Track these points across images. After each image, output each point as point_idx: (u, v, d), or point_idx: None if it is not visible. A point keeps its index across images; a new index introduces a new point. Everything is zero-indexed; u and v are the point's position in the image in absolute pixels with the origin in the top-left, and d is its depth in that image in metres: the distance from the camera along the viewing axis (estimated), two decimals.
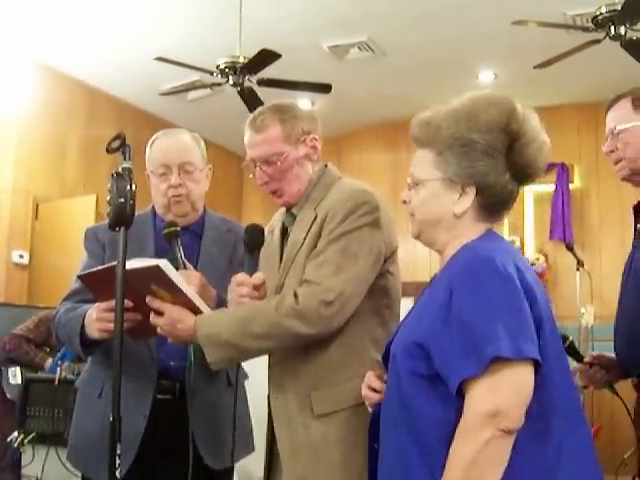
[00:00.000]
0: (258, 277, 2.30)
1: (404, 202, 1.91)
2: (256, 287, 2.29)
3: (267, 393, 2.38)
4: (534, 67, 6.53)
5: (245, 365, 2.59)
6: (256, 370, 2.50)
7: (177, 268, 2.41)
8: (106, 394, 2.55)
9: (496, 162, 1.78)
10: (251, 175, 2.42)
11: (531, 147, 1.81)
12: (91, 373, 2.71)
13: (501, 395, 1.57)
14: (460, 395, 1.62)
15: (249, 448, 2.79)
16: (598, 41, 5.98)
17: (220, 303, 2.45)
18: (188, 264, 2.49)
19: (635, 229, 2.57)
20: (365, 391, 1.98)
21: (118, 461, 1.89)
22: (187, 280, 2.34)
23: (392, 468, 1.75)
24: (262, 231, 2.39)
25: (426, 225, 1.86)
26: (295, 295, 2.18)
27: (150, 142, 2.73)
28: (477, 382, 1.58)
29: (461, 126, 1.79)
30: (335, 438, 2.21)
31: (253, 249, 2.36)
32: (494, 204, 1.82)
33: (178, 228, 2.54)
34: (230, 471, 2.74)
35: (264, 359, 2.37)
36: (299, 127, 2.38)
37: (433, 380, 1.66)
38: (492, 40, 7.39)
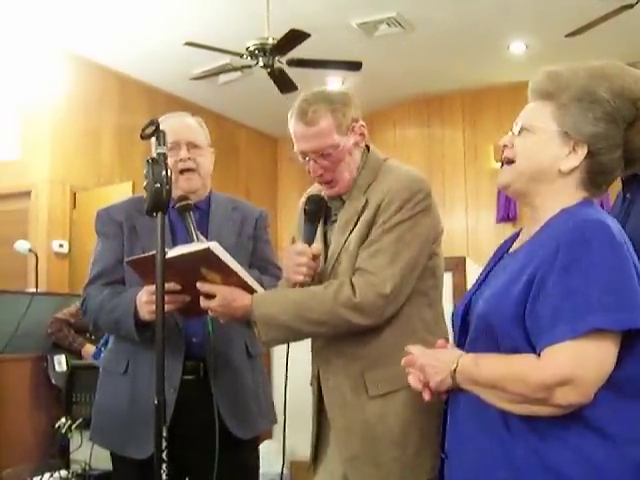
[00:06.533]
0: (317, 248, 2.32)
1: (504, 146, 1.81)
2: (314, 257, 2.30)
3: (314, 372, 2.37)
4: (566, 36, 6.44)
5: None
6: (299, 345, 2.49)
7: (191, 241, 2.45)
8: (132, 370, 2.60)
9: (616, 131, 1.70)
10: (306, 167, 2.35)
11: None
12: (115, 351, 2.73)
13: (583, 366, 1.51)
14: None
15: (272, 418, 2.85)
16: (631, 6, 5.90)
17: None
18: (201, 237, 2.51)
19: (625, 198, 2.49)
20: None
21: (165, 443, 1.92)
22: None
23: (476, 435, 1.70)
24: (325, 202, 2.39)
25: (525, 173, 1.76)
26: (352, 285, 2.18)
27: None
28: (564, 346, 1.52)
29: (595, 82, 1.73)
30: (392, 417, 2.21)
31: (314, 219, 2.37)
32: (599, 173, 1.74)
33: (190, 202, 2.58)
34: (256, 441, 2.79)
35: None
36: (349, 116, 2.33)
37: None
38: (522, 10, 7.30)
